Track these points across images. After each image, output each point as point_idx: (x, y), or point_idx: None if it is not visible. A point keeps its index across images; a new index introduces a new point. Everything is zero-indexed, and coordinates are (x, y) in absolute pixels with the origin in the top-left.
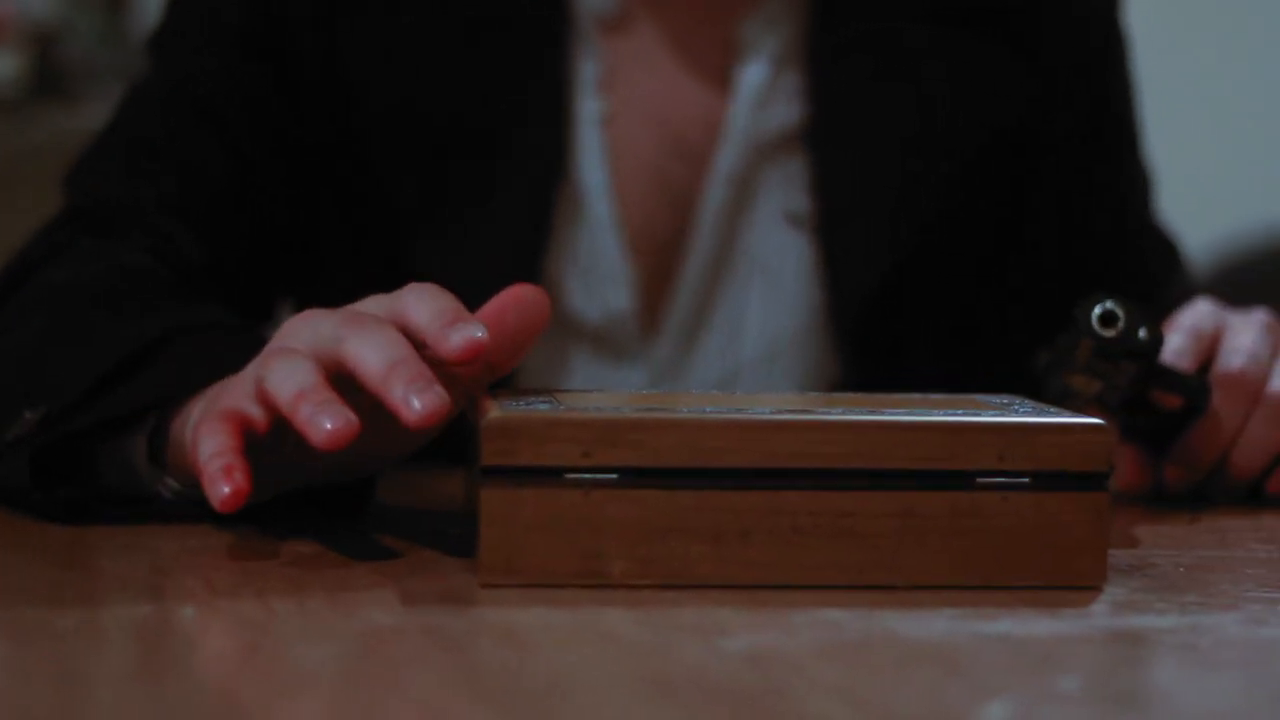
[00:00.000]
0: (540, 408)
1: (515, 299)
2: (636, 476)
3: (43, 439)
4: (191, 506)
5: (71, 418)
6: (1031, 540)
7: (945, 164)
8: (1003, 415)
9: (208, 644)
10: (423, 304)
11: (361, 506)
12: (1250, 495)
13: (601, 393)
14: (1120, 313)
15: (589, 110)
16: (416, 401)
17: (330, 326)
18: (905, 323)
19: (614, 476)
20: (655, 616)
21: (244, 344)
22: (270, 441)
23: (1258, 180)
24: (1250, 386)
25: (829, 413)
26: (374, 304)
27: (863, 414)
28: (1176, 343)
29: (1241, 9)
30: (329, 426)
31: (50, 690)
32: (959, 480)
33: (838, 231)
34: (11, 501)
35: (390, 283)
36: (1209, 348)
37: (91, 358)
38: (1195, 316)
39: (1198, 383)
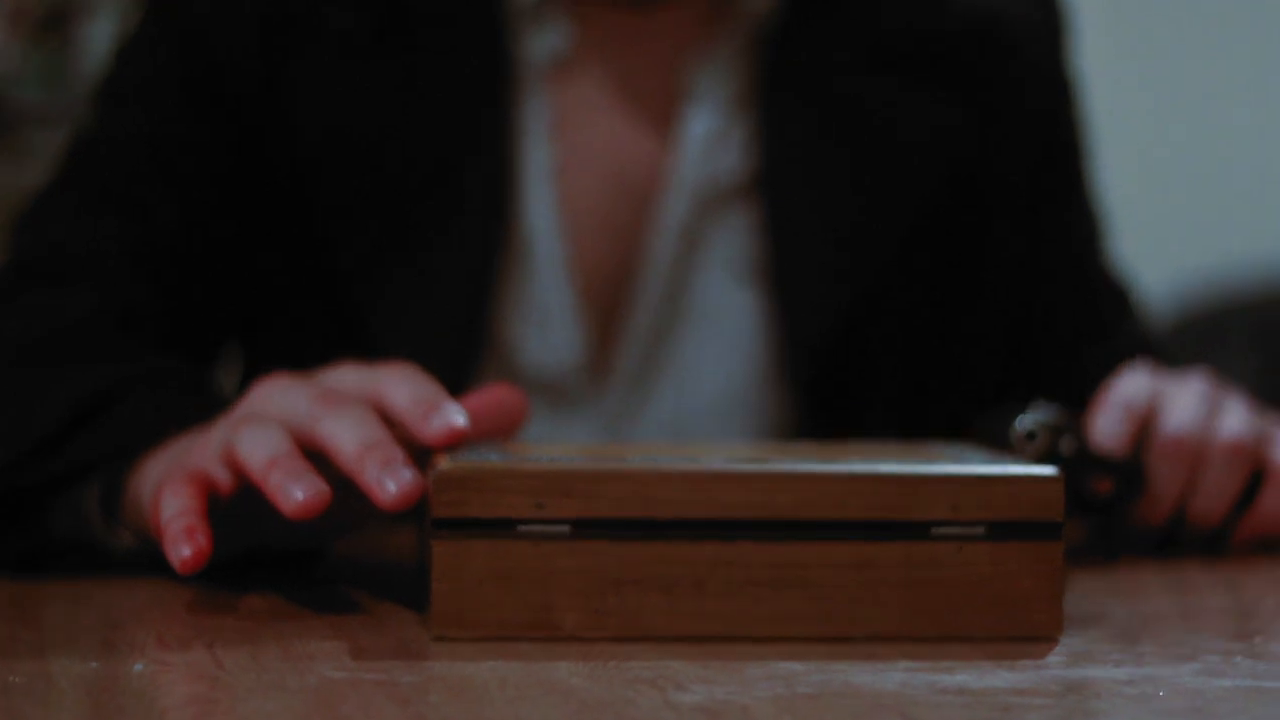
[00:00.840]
0: (491, 458)
1: (496, 401)
2: (589, 528)
3: None
4: (143, 559)
5: (20, 471)
6: (987, 591)
7: (896, 213)
8: (956, 465)
9: (158, 698)
10: (403, 387)
11: (315, 557)
12: (1210, 545)
13: (553, 443)
14: (1039, 431)
15: (538, 158)
16: (391, 484)
17: (305, 402)
18: (858, 371)
19: (566, 528)
20: (609, 669)
21: (196, 393)
22: (232, 505)
23: (1219, 224)
24: (1189, 451)
25: (782, 463)
26: (350, 377)
27: (816, 464)
28: (1108, 423)
29: (1204, 52)
30: (300, 496)
31: None
32: (913, 531)
33: (789, 281)
34: None
35: (338, 330)
36: (1142, 425)
37: (40, 412)
38: (1128, 391)
39: (1131, 466)
